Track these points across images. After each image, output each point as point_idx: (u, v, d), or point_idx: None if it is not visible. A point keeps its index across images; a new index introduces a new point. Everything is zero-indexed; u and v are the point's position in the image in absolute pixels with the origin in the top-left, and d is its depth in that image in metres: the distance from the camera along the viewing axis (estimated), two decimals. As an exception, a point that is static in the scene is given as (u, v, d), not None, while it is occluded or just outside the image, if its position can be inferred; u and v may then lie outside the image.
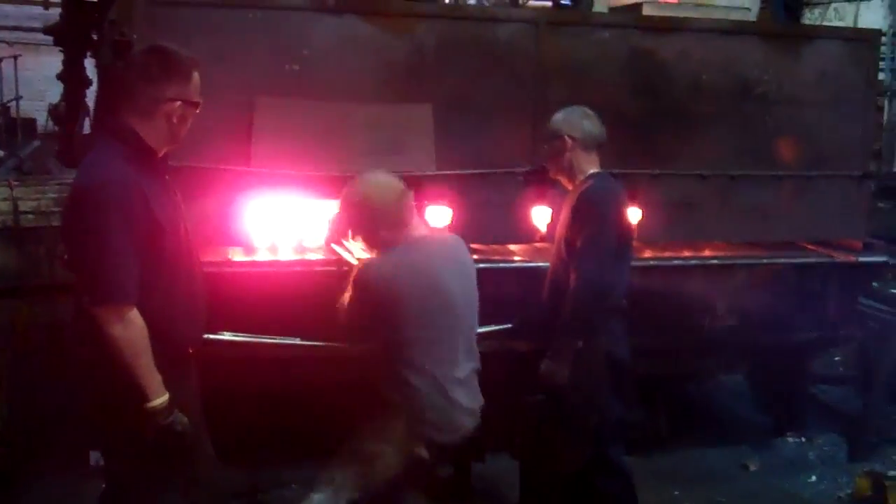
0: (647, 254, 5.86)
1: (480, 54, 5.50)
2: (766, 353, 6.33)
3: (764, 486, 5.92)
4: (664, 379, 6.12)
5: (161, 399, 3.10)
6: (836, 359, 7.71)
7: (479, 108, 5.50)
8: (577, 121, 4.54)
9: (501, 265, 5.38)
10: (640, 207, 5.53)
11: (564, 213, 4.53)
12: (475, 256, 5.34)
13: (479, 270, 5.20)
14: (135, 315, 3.06)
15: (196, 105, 3.28)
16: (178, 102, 3.21)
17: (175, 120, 3.22)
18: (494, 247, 5.57)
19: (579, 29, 5.69)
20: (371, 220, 3.81)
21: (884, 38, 11.59)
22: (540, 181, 5.27)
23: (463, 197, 5.39)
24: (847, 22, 13.23)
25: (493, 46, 5.51)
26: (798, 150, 6.00)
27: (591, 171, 4.51)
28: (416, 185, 5.34)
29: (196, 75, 3.28)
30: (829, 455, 6.36)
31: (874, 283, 6.32)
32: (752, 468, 6.18)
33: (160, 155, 3.31)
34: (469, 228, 5.41)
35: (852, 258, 5.99)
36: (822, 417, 6.56)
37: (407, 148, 5.33)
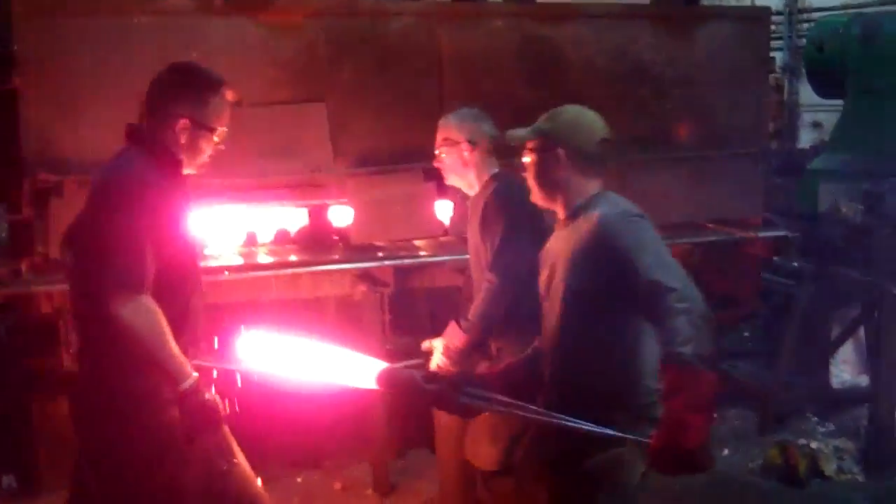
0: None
1: (375, 50, 5.47)
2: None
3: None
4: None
5: (192, 379, 3.08)
6: (745, 334, 7.83)
7: (376, 104, 5.47)
8: (472, 125, 4.26)
9: (407, 261, 5.35)
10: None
11: (473, 221, 4.26)
12: (379, 254, 5.34)
13: (385, 268, 5.24)
14: (152, 302, 3.02)
15: (210, 130, 3.20)
16: (186, 120, 3.15)
17: (184, 140, 3.17)
18: (398, 243, 5.54)
19: (473, 20, 5.69)
20: None
21: (781, 17, 11.76)
22: (441, 175, 5.26)
23: (364, 194, 5.36)
24: (745, 1, 13.44)
25: (387, 41, 5.49)
26: (695, 131, 6.09)
27: (493, 171, 4.28)
28: (315, 185, 5.32)
29: (216, 101, 3.21)
30: (741, 428, 6.45)
31: (775, 258, 6.41)
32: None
33: (184, 172, 3.26)
34: (372, 226, 5.40)
35: (752, 234, 6.08)
36: (733, 392, 6.64)
37: (302, 148, 5.28)
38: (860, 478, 5.65)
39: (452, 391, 3.11)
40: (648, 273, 2.74)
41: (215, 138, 3.22)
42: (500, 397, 3.07)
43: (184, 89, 3.17)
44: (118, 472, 3.12)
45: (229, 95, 3.24)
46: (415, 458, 5.66)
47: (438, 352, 4.14)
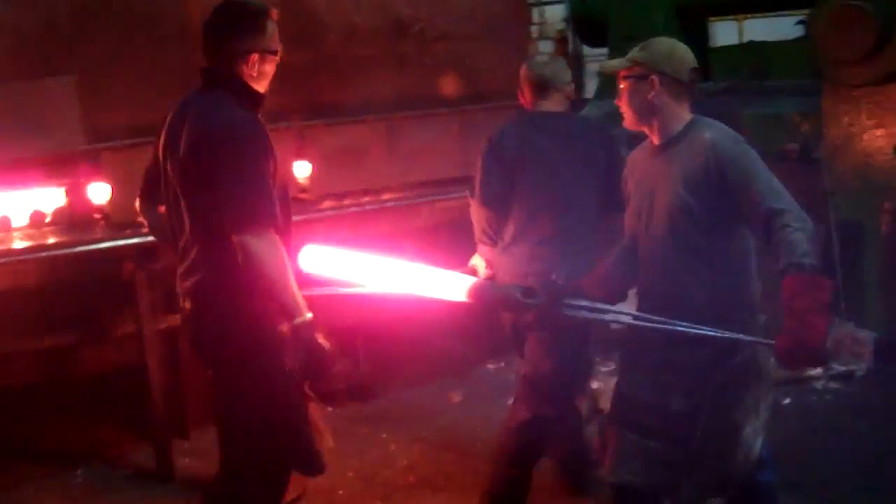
0: (328, 203, 5.83)
1: (123, 19, 5.23)
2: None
3: (466, 414, 6.07)
4: (363, 327, 6.14)
5: (308, 315, 3.12)
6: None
7: (129, 75, 5.24)
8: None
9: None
10: (310, 161, 5.46)
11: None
12: (144, 230, 5.12)
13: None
14: (276, 237, 3.11)
15: (275, 53, 3.32)
16: (256, 55, 3.24)
17: (255, 73, 3.26)
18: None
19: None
20: None
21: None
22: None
23: (121, 170, 5.13)
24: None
25: (135, 9, 5.27)
26: (458, 86, 6.13)
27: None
28: (66, 163, 5.06)
29: (270, 24, 3.29)
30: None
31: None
32: (456, 399, 6.33)
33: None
34: (132, 201, 5.18)
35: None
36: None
37: (50, 125, 5.00)
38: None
39: (554, 304, 3.24)
40: (765, 197, 2.97)
41: (277, 59, 3.34)
42: (602, 305, 3.25)
43: (243, 26, 3.26)
44: (241, 385, 3.26)
45: (275, 15, 3.33)
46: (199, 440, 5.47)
47: (482, 268, 4.14)
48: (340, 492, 4.84)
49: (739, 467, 3.20)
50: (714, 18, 8.27)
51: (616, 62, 3.38)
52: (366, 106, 5.81)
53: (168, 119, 3.33)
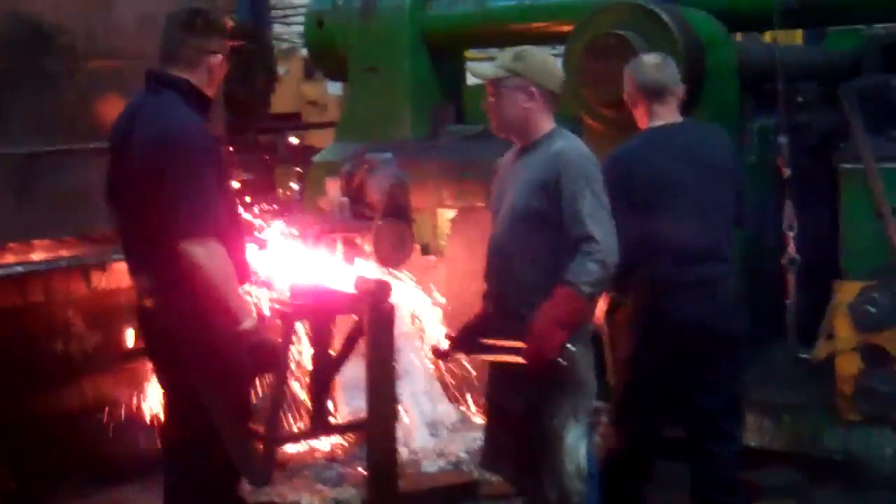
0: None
1: None
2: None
3: None
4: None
5: (252, 320, 3.32)
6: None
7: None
8: None
9: None
10: None
11: None
12: None
13: None
14: (219, 245, 3.24)
15: (226, 54, 3.51)
16: (220, 56, 3.45)
17: (215, 73, 3.47)
18: None
19: None
20: None
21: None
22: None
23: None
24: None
25: None
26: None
27: None
28: None
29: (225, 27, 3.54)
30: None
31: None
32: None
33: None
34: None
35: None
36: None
37: None
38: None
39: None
40: (584, 219, 3.28)
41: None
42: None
43: (215, 28, 3.45)
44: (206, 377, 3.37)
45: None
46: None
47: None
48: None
49: (570, 477, 3.41)
50: (470, 55, 7.45)
51: (491, 70, 3.55)
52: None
53: (116, 120, 3.47)
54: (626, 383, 3.88)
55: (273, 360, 3.45)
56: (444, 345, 3.72)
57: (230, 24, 3.56)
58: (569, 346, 3.25)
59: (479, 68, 3.68)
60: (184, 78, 3.39)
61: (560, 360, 3.23)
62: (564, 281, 3.21)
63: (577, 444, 3.41)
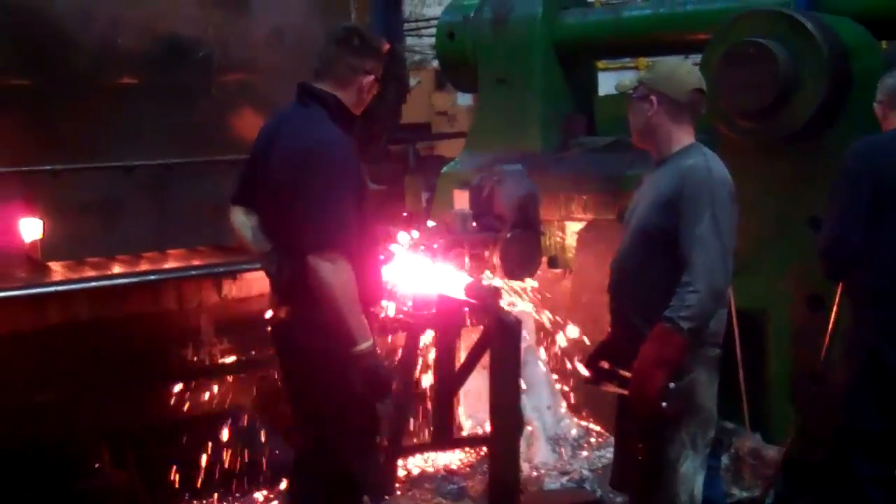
0: (60, 274, 4.55)
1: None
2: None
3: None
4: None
5: (368, 343, 3.29)
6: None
7: None
8: None
9: None
10: (40, 216, 4.44)
11: None
12: None
13: None
14: (346, 263, 3.25)
15: (379, 81, 3.52)
16: (372, 77, 3.45)
17: (365, 93, 3.47)
18: None
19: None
20: None
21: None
22: None
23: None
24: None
25: None
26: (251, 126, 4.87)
27: None
28: None
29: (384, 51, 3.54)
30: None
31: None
32: None
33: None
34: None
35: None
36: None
37: None
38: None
39: None
40: (694, 245, 3.17)
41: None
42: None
43: (372, 49, 3.46)
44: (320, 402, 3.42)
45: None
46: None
47: None
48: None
49: None
50: (602, 65, 7.29)
51: (628, 81, 3.53)
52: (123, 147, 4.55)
53: (262, 128, 3.49)
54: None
55: (385, 389, 3.40)
56: (584, 371, 3.58)
57: (386, 47, 3.52)
58: (671, 385, 3.13)
59: (623, 81, 3.65)
60: (333, 94, 3.40)
61: (663, 403, 3.12)
62: (664, 316, 3.12)
63: (694, 474, 3.31)
